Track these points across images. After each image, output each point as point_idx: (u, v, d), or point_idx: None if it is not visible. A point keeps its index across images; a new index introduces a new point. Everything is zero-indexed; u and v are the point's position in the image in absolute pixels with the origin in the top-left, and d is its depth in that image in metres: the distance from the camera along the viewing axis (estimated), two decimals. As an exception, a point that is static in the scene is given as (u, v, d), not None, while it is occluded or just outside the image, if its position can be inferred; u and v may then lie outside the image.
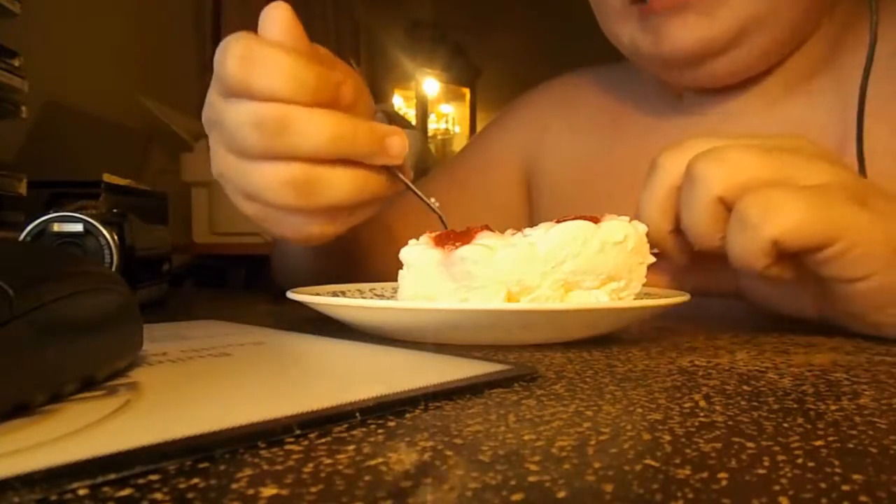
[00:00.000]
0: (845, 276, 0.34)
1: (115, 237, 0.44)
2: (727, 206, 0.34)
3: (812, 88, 0.54)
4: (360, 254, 0.57)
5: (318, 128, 0.36)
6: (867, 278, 0.34)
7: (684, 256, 0.40)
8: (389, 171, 0.40)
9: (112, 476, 0.14)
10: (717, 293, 0.42)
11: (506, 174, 0.70)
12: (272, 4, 0.37)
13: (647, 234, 0.35)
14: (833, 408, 0.21)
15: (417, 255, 0.35)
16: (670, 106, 0.61)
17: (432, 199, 0.42)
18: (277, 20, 0.36)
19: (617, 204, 0.59)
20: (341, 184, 0.38)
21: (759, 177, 0.34)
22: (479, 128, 3.47)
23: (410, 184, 0.41)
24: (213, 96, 0.38)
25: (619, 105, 0.65)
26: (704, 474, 0.15)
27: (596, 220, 0.34)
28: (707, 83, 0.56)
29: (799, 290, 0.38)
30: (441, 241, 0.34)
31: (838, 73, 0.53)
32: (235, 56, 0.35)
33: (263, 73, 0.35)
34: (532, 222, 0.71)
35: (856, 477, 0.15)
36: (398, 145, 0.38)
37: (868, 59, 0.46)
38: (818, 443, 0.17)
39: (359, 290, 0.43)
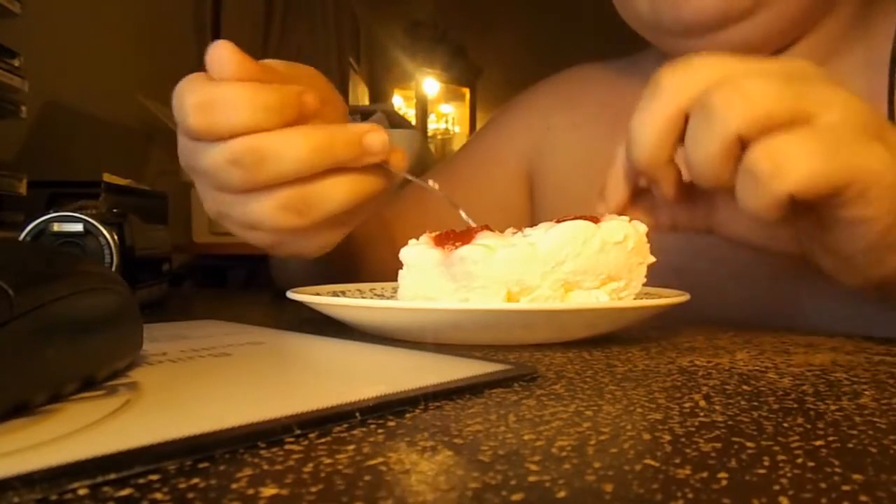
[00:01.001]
0: (856, 216, 0.33)
1: (115, 237, 0.44)
2: (743, 145, 0.33)
3: (839, 67, 0.53)
4: (359, 252, 0.57)
5: (293, 148, 0.35)
6: (877, 219, 0.33)
7: (675, 191, 0.38)
8: (380, 166, 0.39)
9: (112, 476, 0.14)
10: (690, 229, 0.41)
11: (507, 171, 0.70)
12: (213, 44, 0.36)
13: (639, 161, 0.34)
14: (833, 408, 0.21)
15: (417, 255, 0.35)
16: None
17: (430, 182, 0.42)
18: (223, 57, 0.36)
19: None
20: (336, 192, 0.37)
21: (779, 113, 0.32)
22: (479, 128, 3.47)
23: (405, 174, 0.40)
24: (183, 142, 0.38)
25: (622, 100, 0.64)
26: (704, 474, 0.15)
27: (596, 220, 0.34)
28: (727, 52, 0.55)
29: (784, 227, 0.37)
30: (441, 241, 0.34)
31: (867, 46, 0.52)
32: (193, 106, 0.35)
33: (224, 113, 0.34)
34: (534, 219, 0.71)
35: (856, 477, 0.15)
36: (378, 141, 0.38)
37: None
38: (818, 443, 0.17)
39: (359, 290, 0.43)
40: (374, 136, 0.37)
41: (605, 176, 0.53)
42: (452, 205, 0.41)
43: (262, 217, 0.37)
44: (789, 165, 0.31)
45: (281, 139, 0.35)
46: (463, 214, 0.41)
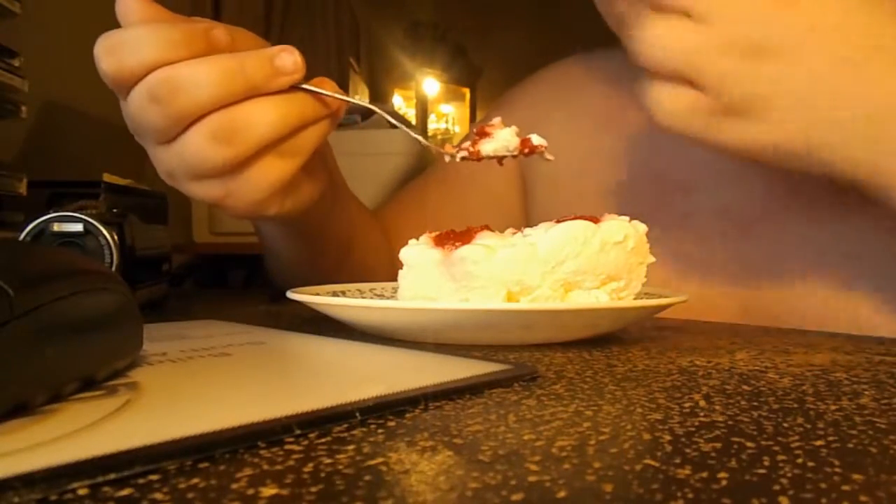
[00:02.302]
0: None
1: (115, 237, 0.44)
2: None
3: None
4: (345, 246, 0.57)
5: (204, 73, 0.35)
6: None
7: None
8: (315, 95, 0.39)
9: (112, 476, 0.14)
10: None
11: (501, 168, 0.69)
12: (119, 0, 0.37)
13: None
14: (833, 408, 0.21)
15: (417, 255, 0.35)
16: None
17: (358, 97, 0.41)
18: (128, 5, 0.37)
19: (613, 194, 0.59)
20: (262, 115, 0.37)
21: None
22: (478, 128, 3.46)
23: (336, 94, 0.39)
24: (122, 106, 0.38)
25: (617, 91, 0.63)
26: (704, 474, 0.15)
27: (596, 220, 0.34)
28: None
29: None
30: (441, 241, 0.34)
31: None
32: (102, 51, 0.36)
33: (131, 51, 0.35)
34: (529, 214, 0.70)
35: (856, 477, 0.15)
36: (290, 60, 0.37)
37: None
38: (818, 443, 0.17)
39: (359, 290, 0.43)
40: (286, 55, 0.37)
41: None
42: (402, 126, 0.41)
43: (197, 154, 0.37)
44: None
45: (190, 66, 0.35)
46: (411, 133, 0.41)
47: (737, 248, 0.52)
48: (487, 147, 0.39)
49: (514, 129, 0.39)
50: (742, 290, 0.51)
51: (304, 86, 0.38)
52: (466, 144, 0.39)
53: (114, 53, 0.35)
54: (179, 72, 0.35)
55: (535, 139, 0.39)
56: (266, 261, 0.63)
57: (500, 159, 0.40)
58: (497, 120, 0.40)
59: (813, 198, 0.48)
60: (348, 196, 0.56)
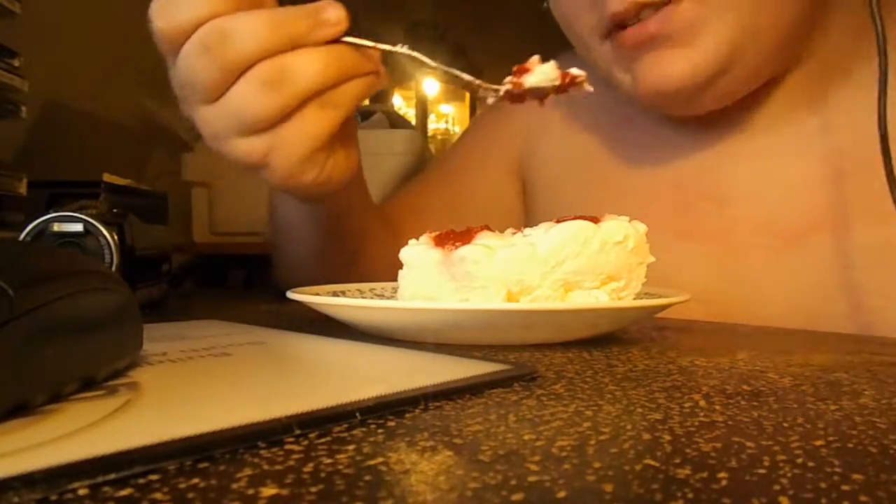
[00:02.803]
0: None
1: (115, 237, 0.44)
2: None
3: (848, 85, 0.51)
4: (360, 239, 0.57)
5: (252, 24, 0.37)
6: None
7: None
8: (356, 48, 0.40)
9: (112, 476, 0.14)
10: None
11: (499, 168, 0.69)
12: None
13: None
14: (833, 408, 0.21)
15: (417, 255, 0.35)
16: None
17: (400, 45, 0.42)
18: None
19: (613, 196, 0.59)
20: (310, 63, 0.38)
21: None
22: (478, 128, 3.46)
23: (378, 44, 0.41)
24: (172, 75, 0.40)
25: (626, 103, 0.62)
26: (704, 474, 0.15)
27: (596, 220, 0.34)
28: (693, 114, 0.54)
29: None
30: (441, 241, 0.34)
31: (857, 82, 0.50)
32: (157, 12, 0.37)
33: (183, 7, 0.37)
34: (527, 216, 0.70)
35: (856, 477, 0.15)
36: (333, 13, 0.38)
37: (881, 70, 0.43)
38: (818, 443, 0.17)
39: (359, 290, 0.43)
40: (330, 9, 0.38)
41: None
42: (427, 64, 0.42)
43: (246, 104, 0.38)
44: None
45: (238, 17, 0.37)
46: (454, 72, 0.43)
47: (782, 260, 0.51)
48: (530, 80, 0.40)
49: (553, 63, 0.40)
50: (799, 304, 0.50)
51: (347, 39, 0.39)
52: (509, 79, 0.40)
53: (167, 10, 0.37)
54: (228, 22, 0.37)
55: (575, 70, 0.40)
56: (275, 258, 0.63)
57: (542, 97, 0.41)
58: (535, 58, 0.41)
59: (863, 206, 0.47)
60: (366, 191, 0.57)
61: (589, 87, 0.40)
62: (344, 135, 0.43)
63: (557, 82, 0.40)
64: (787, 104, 0.52)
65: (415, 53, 0.42)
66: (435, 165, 0.79)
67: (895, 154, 0.42)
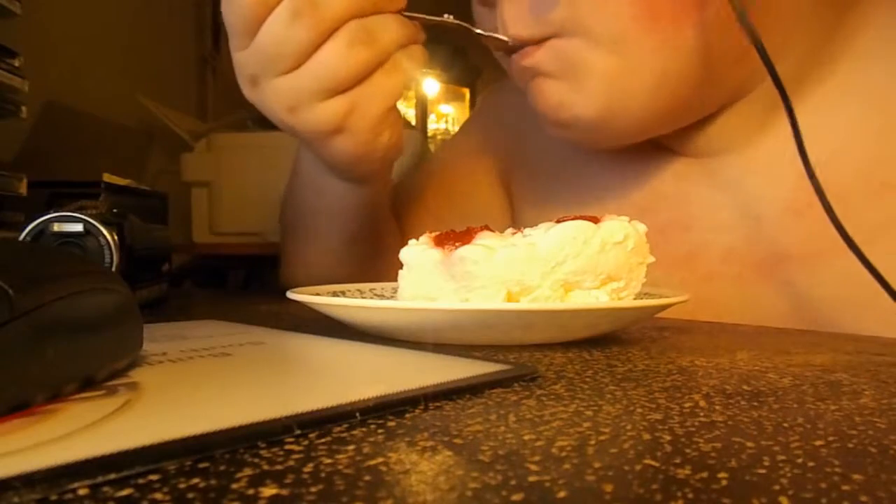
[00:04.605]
0: None
1: (115, 237, 0.44)
2: None
3: (806, 103, 0.47)
4: (385, 231, 0.58)
5: None
6: None
7: None
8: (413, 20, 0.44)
9: (112, 476, 0.14)
10: None
11: (486, 177, 0.68)
12: None
13: None
14: (833, 408, 0.21)
15: (417, 255, 0.35)
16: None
17: (447, 15, 0.46)
18: None
19: (598, 198, 0.58)
20: (391, 25, 0.42)
21: None
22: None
23: (426, 16, 0.45)
24: (238, 57, 0.42)
25: None
26: (704, 474, 0.15)
27: (596, 220, 0.34)
28: (601, 147, 0.53)
29: None
30: (441, 241, 0.34)
31: (811, 105, 0.47)
32: None
33: None
34: (515, 212, 0.69)
35: (856, 477, 0.15)
36: None
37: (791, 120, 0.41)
38: (818, 443, 0.17)
39: (359, 290, 0.43)
40: None
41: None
42: (470, 29, 0.47)
43: (338, 60, 0.41)
44: None
45: None
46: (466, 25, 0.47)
47: (754, 290, 0.49)
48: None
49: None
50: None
51: (406, 14, 0.44)
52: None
53: None
54: None
55: None
56: (289, 256, 0.63)
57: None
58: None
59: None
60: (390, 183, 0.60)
61: None
62: (394, 112, 0.47)
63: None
64: (743, 129, 0.50)
65: (460, 22, 0.46)
66: (426, 169, 0.78)
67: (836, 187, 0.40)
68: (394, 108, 0.45)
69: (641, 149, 0.53)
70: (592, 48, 0.44)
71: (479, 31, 0.47)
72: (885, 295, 0.38)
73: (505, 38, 0.47)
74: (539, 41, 0.45)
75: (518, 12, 0.45)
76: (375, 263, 0.56)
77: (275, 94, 0.43)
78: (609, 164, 0.57)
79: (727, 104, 0.49)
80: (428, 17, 0.45)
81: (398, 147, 0.48)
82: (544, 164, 0.63)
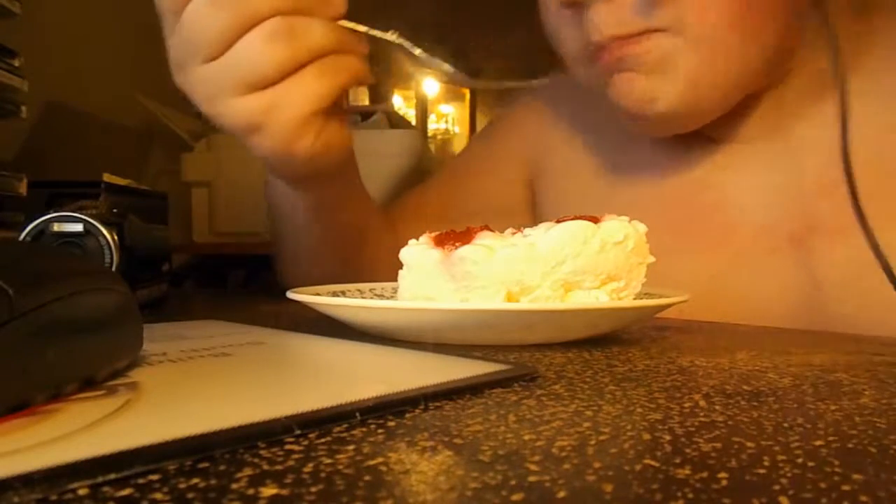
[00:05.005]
0: None
1: (115, 237, 0.44)
2: None
3: (814, 110, 0.53)
4: (356, 237, 0.57)
5: None
6: None
7: None
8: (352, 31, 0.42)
9: (112, 476, 0.14)
10: None
11: (510, 173, 0.70)
12: None
13: None
14: (833, 408, 0.21)
15: (417, 254, 0.35)
16: None
17: (390, 32, 0.43)
18: None
19: (622, 201, 0.60)
20: (318, 28, 0.40)
21: None
22: (478, 128, 3.47)
23: (372, 30, 0.43)
24: (169, 41, 0.41)
25: (613, 114, 0.64)
26: (704, 474, 0.15)
27: (596, 220, 0.34)
28: (673, 133, 0.55)
29: None
30: (441, 241, 0.34)
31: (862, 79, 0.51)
32: None
33: None
34: (536, 221, 0.71)
35: (856, 477, 0.15)
36: None
37: (841, 100, 0.46)
38: (818, 443, 0.17)
39: (359, 290, 0.43)
40: None
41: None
42: (411, 51, 0.45)
43: (254, 56, 0.38)
44: None
45: None
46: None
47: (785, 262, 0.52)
48: None
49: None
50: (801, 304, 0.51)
51: (344, 22, 0.42)
52: None
53: None
54: None
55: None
56: (278, 254, 0.63)
57: None
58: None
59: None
60: (363, 190, 0.57)
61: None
62: (338, 112, 0.44)
63: None
64: (777, 115, 0.54)
65: (402, 41, 0.44)
66: (444, 171, 0.79)
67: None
68: (321, 114, 0.42)
69: (678, 138, 0.57)
70: (687, 45, 0.47)
71: (420, 53, 0.46)
72: None
73: (450, 68, 0.47)
74: (635, 36, 0.48)
75: (615, 9, 0.48)
76: (346, 269, 0.54)
77: (196, 83, 0.41)
78: (647, 156, 0.60)
79: (763, 91, 0.53)
80: (369, 29, 0.42)
81: (331, 154, 0.45)
82: (575, 169, 0.65)
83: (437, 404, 0.21)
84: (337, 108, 0.43)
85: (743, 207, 0.55)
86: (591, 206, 0.62)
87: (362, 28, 0.42)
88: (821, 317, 0.48)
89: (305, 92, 0.40)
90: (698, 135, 0.56)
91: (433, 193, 0.72)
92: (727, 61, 0.48)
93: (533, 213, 0.69)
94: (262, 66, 0.39)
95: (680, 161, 0.58)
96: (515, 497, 0.13)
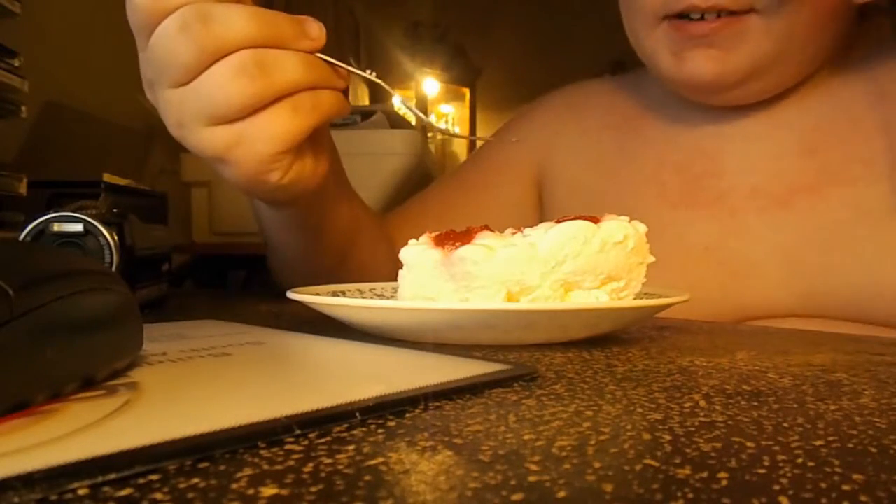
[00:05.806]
0: None
1: (115, 237, 0.44)
2: None
3: (838, 91, 0.58)
4: (347, 244, 0.57)
5: (239, 12, 0.37)
6: None
7: None
8: (330, 65, 0.41)
9: (112, 476, 0.14)
10: None
11: (518, 178, 0.71)
12: None
13: None
14: (833, 408, 0.21)
15: (417, 255, 0.35)
16: (682, 105, 0.63)
17: (368, 71, 0.43)
18: None
19: (625, 184, 0.64)
20: (289, 60, 0.38)
21: None
22: (478, 128, 3.47)
23: (349, 67, 0.42)
24: (142, 59, 0.39)
25: (631, 107, 0.68)
26: (704, 474, 0.15)
27: (596, 220, 0.34)
28: (718, 104, 0.60)
29: None
30: (441, 242, 0.34)
31: (879, 79, 0.57)
32: None
33: None
34: (547, 217, 0.73)
35: (856, 477, 0.15)
36: (315, 27, 0.39)
37: None
38: (818, 443, 0.17)
39: (359, 290, 0.43)
40: (312, 23, 0.39)
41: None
42: (386, 89, 0.45)
43: (220, 89, 0.37)
44: None
45: (224, 4, 0.37)
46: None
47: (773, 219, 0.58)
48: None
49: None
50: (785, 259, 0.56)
51: (321, 55, 0.40)
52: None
53: None
54: (214, 6, 0.36)
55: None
56: (269, 258, 0.63)
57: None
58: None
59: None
60: (351, 194, 0.56)
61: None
62: (315, 143, 0.42)
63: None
64: (776, 85, 0.59)
65: (380, 82, 0.44)
66: (450, 177, 0.80)
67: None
68: (292, 151, 0.40)
69: (682, 105, 0.63)
70: (770, 30, 0.53)
71: (396, 95, 0.47)
72: (884, 216, 0.51)
73: (422, 115, 0.48)
74: (735, 15, 0.52)
75: None
76: (338, 274, 0.54)
77: (164, 105, 0.40)
78: (649, 131, 0.66)
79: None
80: (348, 66, 0.41)
81: (303, 183, 0.43)
82: (582, 157, 0.69)
83: (437, 404, 0.21)
84: (316, 136, 0.42)
85: (736, 171, 0.60)
86: (599, 186, 0.67)
87: (340, 64, 0.41)
88: (810, 268, 0.54)
89: (275, 130, 0.38)
90: (694, 109, 0.62)
91: (443, 197, 0.73)
92: (792, 43, 0.54)
93: (540, 215, 0.70)
94: (227, 101, 0.37)
95: (679, 132, 0.63)
96: (515, 497, 0.13)
